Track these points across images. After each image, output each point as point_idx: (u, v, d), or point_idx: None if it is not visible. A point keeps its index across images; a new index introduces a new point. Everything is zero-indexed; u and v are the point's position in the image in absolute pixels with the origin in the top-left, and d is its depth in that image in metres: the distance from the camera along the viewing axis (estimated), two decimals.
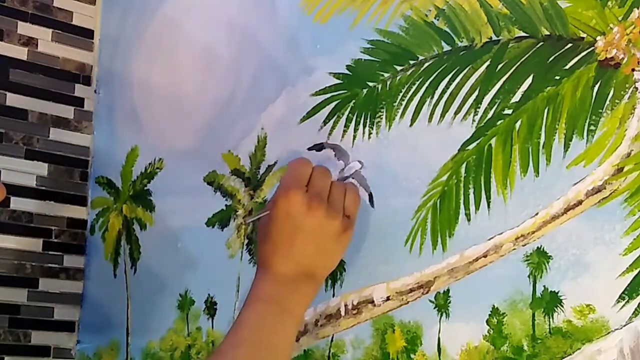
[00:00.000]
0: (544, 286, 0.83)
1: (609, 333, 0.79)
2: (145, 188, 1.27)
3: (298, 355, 1.03)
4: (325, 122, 1.04)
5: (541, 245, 0.84)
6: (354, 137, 1.01)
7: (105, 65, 1.38)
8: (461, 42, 0.93)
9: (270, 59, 1.13)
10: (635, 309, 0.77)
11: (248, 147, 1.13)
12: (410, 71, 0.97)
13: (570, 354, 0.81)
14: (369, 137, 0.99)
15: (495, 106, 0.89)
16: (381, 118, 0.98)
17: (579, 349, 0.80)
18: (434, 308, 0.92)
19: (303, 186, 0.91)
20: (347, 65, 1.02)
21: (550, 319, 0.82)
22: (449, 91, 0.93)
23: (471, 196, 0.90)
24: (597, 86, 0.82)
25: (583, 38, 0.83)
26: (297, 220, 0.89)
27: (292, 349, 0.90)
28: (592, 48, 0.82)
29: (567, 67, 0.84)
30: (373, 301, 0.97)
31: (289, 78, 1.09)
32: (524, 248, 0.85)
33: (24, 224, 1.31)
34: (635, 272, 0.77)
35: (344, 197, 0.93)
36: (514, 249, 0.86)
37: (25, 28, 1.32)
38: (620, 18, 0.80)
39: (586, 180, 0.81)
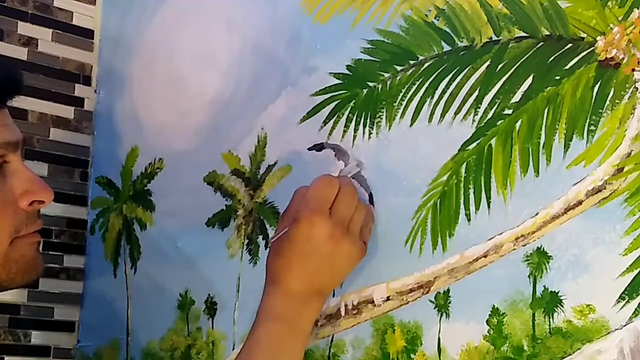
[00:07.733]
0: (544, 286, 0.83)
1: (609, 333, 0.79)
2: (145, 188, 1.27)
3: None
4: (325, 122, 1.04)
5: (541, 245, 0.84)
6: (354, 137, 1.01)
7: (105, 65, 1.38)
8: (461, 42, 0.93)
9: (270, 59, 1.12)
10: (635, 309, 0.77)
11: (248, 147, 1.13)
12: (410, 71, 0.97)
13: (570, 354, 0.81)
14: (369, 137, 0.99)
15: (495, 106, 0.89)
16: (381, 118, 0.98)
17: (579, 349, 0.80)
18: (434, 308, 0.92)
19: (327, 210, 0.92)
20: (347, 65, 1.02)
21: (550, 319, 0.82)
22: (449, 91, 0.93)
23: (471, 196, 0.90)
24: (597, 86, 0.82)
25: (583, 38, 0.83)
26: (316, 244, 0.92)
27: None
28: (592, 48, 0.82)
29: (567, 67, 0.84)
30: (373, 301, 0.97)
31: (289, 78, 1.09)
32: (524, 248, 0.85)
33: None
34: (635, 272, 0.77)
35: (362, 221, 0.94)
36: (514, 249, 0.86)
37: (25, 28, 1.32)
38: (620, 18, 0.80)
39: (586, 180, 0.81)
